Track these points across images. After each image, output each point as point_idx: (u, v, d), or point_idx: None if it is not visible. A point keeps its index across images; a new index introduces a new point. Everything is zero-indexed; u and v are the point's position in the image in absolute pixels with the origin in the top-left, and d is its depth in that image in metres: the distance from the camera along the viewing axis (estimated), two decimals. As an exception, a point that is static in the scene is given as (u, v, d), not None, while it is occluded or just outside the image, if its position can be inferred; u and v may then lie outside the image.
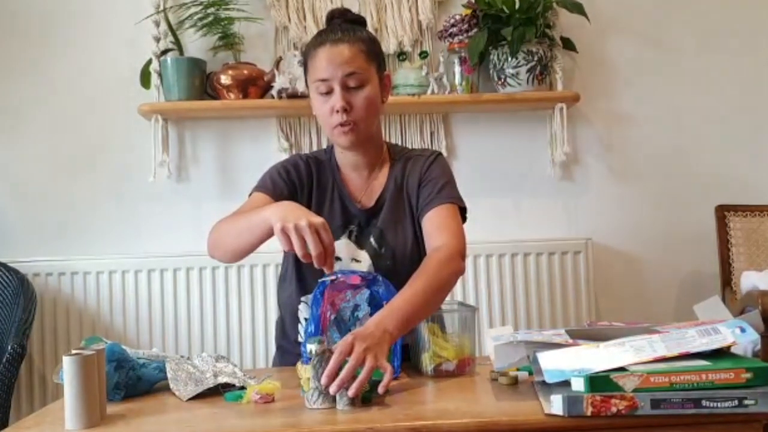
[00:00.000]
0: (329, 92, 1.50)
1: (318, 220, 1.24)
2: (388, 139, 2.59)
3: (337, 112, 1.49)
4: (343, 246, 1.55)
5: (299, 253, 1.23)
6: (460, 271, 1.45)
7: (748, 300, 2.16)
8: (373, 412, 1.11)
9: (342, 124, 1.50)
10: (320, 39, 1.53)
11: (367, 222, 1.59)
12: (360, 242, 1.57)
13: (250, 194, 1.60)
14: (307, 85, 1.59)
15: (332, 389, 1.12)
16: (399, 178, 1.61)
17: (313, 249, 1.22)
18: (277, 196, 1.53)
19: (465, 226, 1.64)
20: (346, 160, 1.62)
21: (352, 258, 1.55)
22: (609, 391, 1.02)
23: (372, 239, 1.57)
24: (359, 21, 1.61)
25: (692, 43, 2.75)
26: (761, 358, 1.95)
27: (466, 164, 2.69)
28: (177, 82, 2.49)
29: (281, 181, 1.58)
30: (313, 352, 1.15)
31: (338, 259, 1.54)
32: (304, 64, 1.57)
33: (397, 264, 1.55)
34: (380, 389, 1.14)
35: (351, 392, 1.12)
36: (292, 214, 1.25)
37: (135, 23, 2.57)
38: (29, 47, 2.64)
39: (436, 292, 1.37)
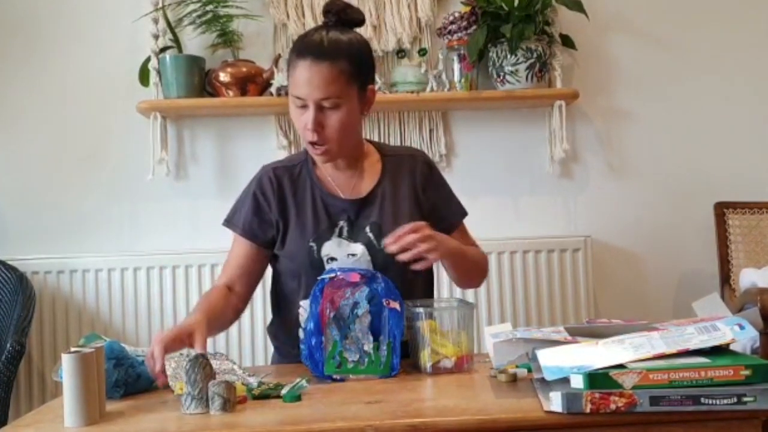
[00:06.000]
0: (305, 107, 1.47)
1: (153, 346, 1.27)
2: (387, 137, 2.63)
3: (309, 130, 1.47)
4: (335, 246, 1.53)
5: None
6: (484, 276, 1.71)
7: (747, 297, 2.16)
8: (373, 409, 1.11)
9: (313, 144, 1.49)
10: (305, 48, 1.47)
11: (357, 214, 1.56)
12: (353, 236, 1.54)
13: (226, 222, 1.62)
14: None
15: (393, 248, 1.38)
16: (394, 175, 1.59)
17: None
18: (251, 237, 1.57)
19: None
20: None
21: (348, 254, 1.52)
22: (608, 388, 1.02)
23: (368, 231, 1.54)
24: (356, 21, 1.53)
25: (691, 41, 2.75)
26: (760, 355, 1.95)
27: (465, 162, 2.69)
28: (176, 80, 2.48)
29: (250, 216, 1.58)
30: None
31: (334, 259, 1.52)
32: (288, 65, 1.52)
33: (395, 257, 1.53)
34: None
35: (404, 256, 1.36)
36: None
37: (133, 21, 2.56)
38: (27, 45, 2.63)
39: (476, 262, 1.64)
